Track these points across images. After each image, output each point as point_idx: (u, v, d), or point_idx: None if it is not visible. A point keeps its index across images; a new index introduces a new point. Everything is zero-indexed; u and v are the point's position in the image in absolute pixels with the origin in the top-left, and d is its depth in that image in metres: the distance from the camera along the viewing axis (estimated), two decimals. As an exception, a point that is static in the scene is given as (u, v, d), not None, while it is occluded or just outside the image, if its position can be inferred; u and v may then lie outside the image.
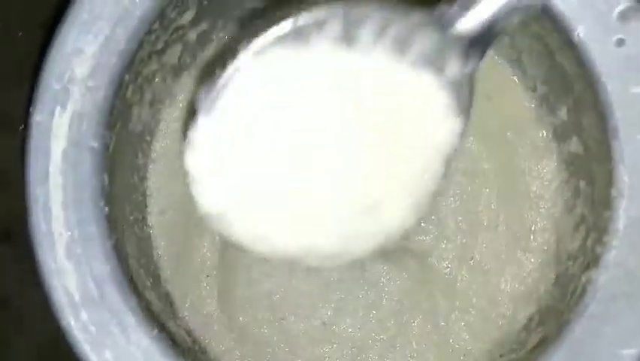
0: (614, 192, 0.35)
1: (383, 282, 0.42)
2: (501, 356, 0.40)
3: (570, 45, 0.35)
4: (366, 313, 0.42)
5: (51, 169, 0.34)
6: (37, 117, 0.35)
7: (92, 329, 0.34)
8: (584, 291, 0.35)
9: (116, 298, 0.35)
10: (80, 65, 0.35)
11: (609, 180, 0.35)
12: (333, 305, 0.42)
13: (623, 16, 0.34)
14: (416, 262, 0.42)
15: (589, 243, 0.37)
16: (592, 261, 0.36)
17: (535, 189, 0.42)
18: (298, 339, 0.42)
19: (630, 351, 0.34)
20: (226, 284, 0.42)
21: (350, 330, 0.42)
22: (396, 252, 0.42)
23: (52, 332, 0.35)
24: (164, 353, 0.35)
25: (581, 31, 0.35)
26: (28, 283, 0.39)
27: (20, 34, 0.46)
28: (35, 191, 0.34)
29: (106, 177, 0.36)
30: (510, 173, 0.43)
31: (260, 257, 0.41)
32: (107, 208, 0.35)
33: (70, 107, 0.35)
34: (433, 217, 0.43)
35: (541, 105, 0.42)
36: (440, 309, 0.42)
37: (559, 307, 0.38)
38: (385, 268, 0.42)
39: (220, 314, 0.42)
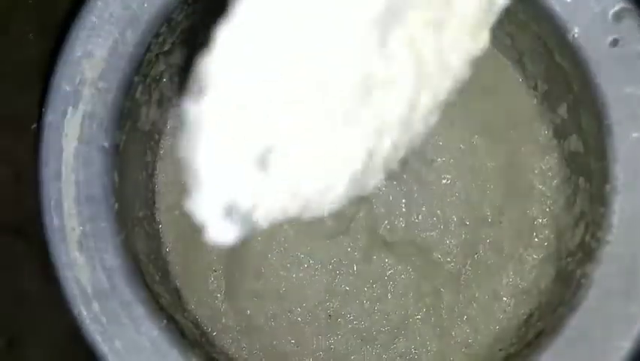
0: (608, 188, 0.35)
1: (388, 275, 0.43)
2: (500, 349, 0.41)
3: (567, 45, 0.36)
4: (371, 306, 0.43)
5: (63, 167, 0.35)
6: (50, 118, 0.35)
7: (103, 319, 0.35)
8: (579, 285, 0.36)
9: (126, 290, 0.35)
10: (90, 67, 0.35)
11: (605, 177, 0.36)
12: (338, 298, 0.43)
13: (618, 16, 0.35)
14: (421, 257, 0.43)
15: (587, 239, 0.37)
16: (588, 256, 0.36)
17: (537, 185, 0.43)
18: (304, 331, 0.42)
19: (623, 344, 0.35)
20: (233, 278, 0.43)
21: (355, 322, 0.43)
22: (401, 246, 0.43)
23: (65, 327, 0.36)
24: (172, 344, 0.35)
25: (576, 32, 0.35)
26: (42, 279, 0.40)
27: (31, 38, 0.46)
28: (48, 188, 0.35)
29: (116, 175, 0.36)
30: (513, 170, 0.43)
31: (265, 252, 0.43)
32: (117, 205, 0.36)
33: (81, 107, 0.35)
34: (438, 212, 0.43)
35: (543, 103, 0.42)
36: (443, 302, 0.42)
37: (558, 302, 0.38)
38: (390, 262, 0.43)
39: (227, 307, 0.42)
